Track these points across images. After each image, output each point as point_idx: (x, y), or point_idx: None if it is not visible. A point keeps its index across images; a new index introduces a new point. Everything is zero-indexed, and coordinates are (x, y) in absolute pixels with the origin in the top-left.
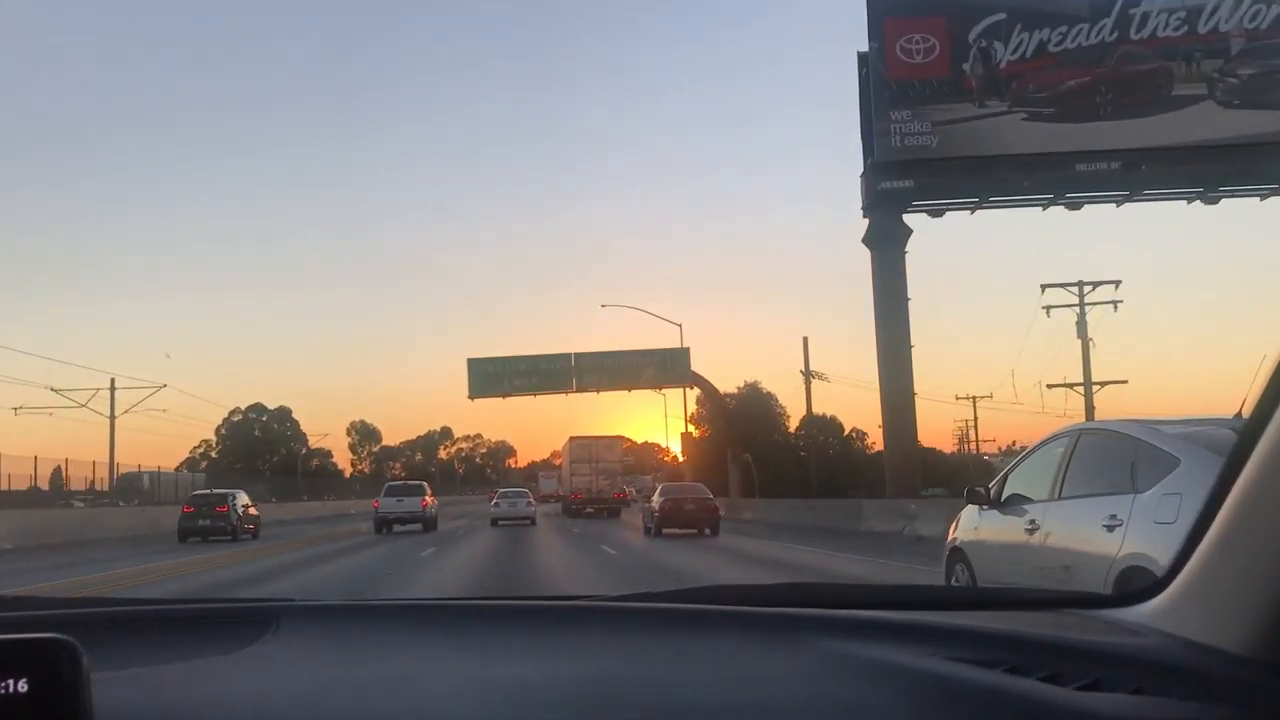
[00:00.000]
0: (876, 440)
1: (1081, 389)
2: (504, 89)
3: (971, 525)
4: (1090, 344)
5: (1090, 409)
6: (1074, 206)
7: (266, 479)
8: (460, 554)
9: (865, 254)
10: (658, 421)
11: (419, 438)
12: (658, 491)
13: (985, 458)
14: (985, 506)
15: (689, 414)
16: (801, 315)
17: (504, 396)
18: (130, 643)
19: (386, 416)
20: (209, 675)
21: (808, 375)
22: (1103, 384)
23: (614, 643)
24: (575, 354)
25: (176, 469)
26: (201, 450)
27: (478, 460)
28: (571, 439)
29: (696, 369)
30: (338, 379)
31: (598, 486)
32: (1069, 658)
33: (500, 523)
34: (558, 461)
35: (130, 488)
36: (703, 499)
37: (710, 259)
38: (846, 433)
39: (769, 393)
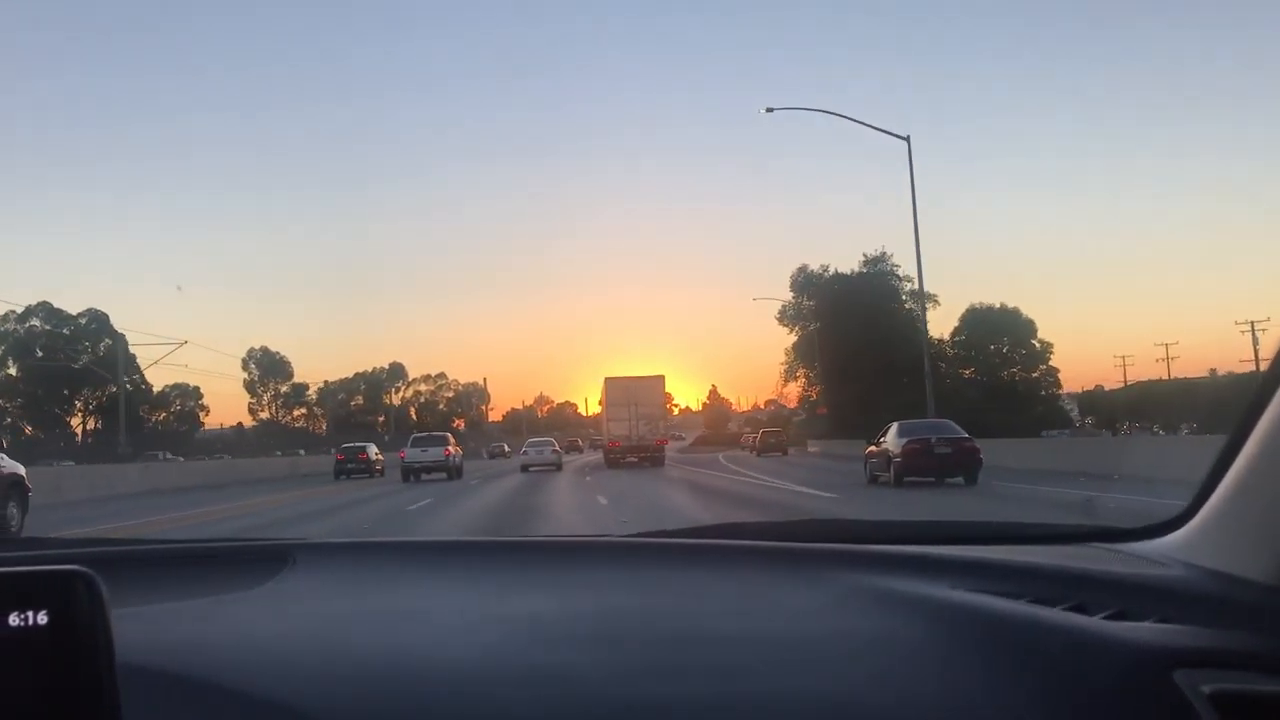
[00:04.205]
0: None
1: None
2: None
3: None
4: None
5: None
6: None
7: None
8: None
9: None
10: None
11: (356, 375)
12: (893, 430)
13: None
14: None
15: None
16: None
17: None
18: (147, 580)
19: (303, 346)
20: (226, 610)
21: None
22: None
23: (630, 578)
24: None
25: None
26: None
27: (441, 407)
28: (608, 380)
29: None
30: (234, 299)
31: (638, 433)
32: (1093, 589)
33: (530, 468)
34: (541, 411)
35: None
36: (959, 439)
37: None
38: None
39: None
